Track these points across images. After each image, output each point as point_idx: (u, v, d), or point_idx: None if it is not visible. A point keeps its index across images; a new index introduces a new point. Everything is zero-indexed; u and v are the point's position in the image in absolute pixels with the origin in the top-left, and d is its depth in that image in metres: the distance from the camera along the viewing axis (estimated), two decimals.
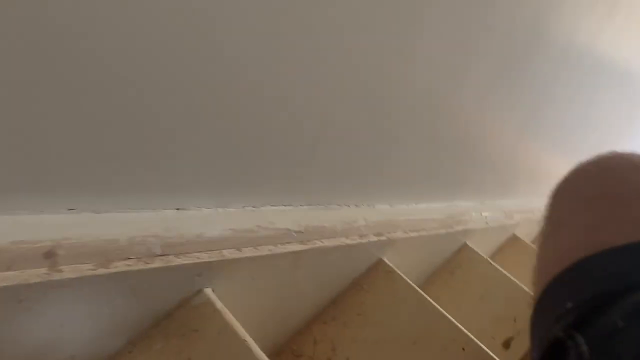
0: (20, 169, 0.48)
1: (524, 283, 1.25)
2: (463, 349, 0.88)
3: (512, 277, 1.26)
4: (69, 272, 0.50)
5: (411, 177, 1.12)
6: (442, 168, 1.19)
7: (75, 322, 0.54)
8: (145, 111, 0.53)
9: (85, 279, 0.51)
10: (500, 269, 1.28)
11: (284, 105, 0.67)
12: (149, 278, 0.58)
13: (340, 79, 0.72)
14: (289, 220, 0.79)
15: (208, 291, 0.66)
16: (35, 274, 0.48)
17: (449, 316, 0.92)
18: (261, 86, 0.62)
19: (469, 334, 0.91)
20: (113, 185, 0.57)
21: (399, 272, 1.00)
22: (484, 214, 1.44)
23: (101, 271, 0.53)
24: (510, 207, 1.64)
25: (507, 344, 1.22)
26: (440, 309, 0.94)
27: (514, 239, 1.68)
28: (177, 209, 0.65)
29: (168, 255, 0.60)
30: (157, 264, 0.58)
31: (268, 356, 0.62)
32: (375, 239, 0.96)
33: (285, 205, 0.82)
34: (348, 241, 0.89)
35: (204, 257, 0.63)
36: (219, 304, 0.65)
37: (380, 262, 1.02)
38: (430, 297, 0.95)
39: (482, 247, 1.39)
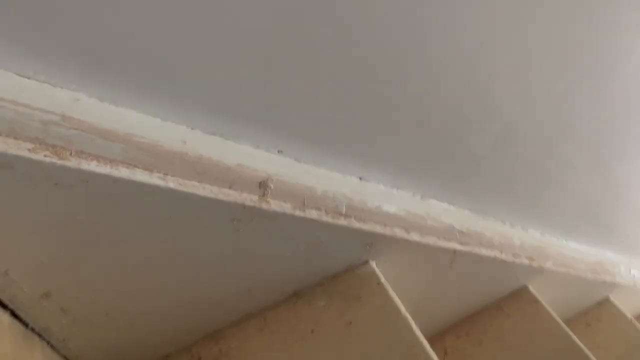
0: (257, 104, 0.52)
1: None
2: None
3: None
4: (274, 205, 0.53)
5: (566, 212, 1.06)
6: (597, 212, 1.12)
7: (264, 255, 0.56)
8: (362, 94, 0.56)
9: (285, 216, 0.54)
10: None
11: (477, 105, 0.67)
12: (331, 233, 0.59)
13: (534, 97, 0.71)
14: (454, 218, 0.78)
15: (373, 264, 0.67)
16: (250, 198, 0.51)
17: None
18: (466, 85, 0.62)
19: None
20: (316, 139, 0.60)
21: (544, 303, 0.94)
22: (632, 271, 1.32)
23: (298, 213, 0.55)
24: None
25: None
26: (589, 353, 0.87)
27: None
28: (360, 179, 0.67)
29: (350, 217, 0.61)
30: (341, 221, 0.59)
31: None
32: (527, 262, 0.91)
33: (449, 203, 0.81)
34: (502, 256, 0.85)
35: (379, 229, 0.64)
36: (383, 278, 0.65)
37: (524, 289, 0.97)
38: None
39: (626, 306, 1.27)
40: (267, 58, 0.48)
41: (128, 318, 0.52)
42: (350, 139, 0.63)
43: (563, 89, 0.74)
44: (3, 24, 0.37)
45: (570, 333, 0.89)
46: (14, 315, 0.47)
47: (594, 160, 0.95)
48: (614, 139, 0.92)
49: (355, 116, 0.60)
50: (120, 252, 0.47)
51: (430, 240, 0.71)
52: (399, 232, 0.66)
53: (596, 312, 1.20)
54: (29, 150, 0.37)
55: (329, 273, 0.65)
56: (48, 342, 0.51)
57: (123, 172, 0.42)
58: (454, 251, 0.75)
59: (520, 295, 0.93)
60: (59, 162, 0.39)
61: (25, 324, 0.48)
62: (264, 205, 0.51)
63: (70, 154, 0.39)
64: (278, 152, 0.57)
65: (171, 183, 0.45)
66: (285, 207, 0.53)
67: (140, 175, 0.43)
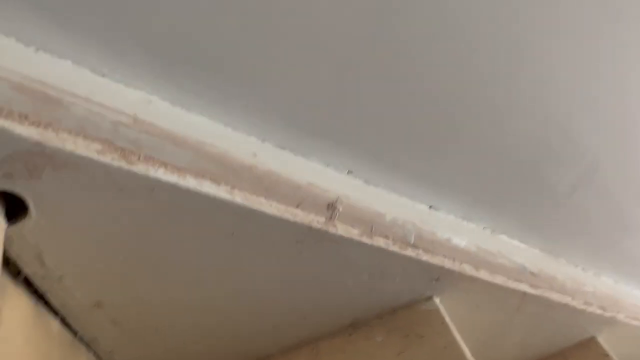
0: (330, 119, 0.49)
1: None
2: None
3: None
4: (341, 229, 0.49)
5: None
6: None
7: (324, 281, 0.53)
8: (440, 117, 0.52)
9: (352, 242, 0.50)
10: None
11: (563, 139, 0.62)
12: (397, 263, 0.55)
13: (626, 137, 0.65)
14: (525, 258, 0.72)
15: (437, 300, 0.62)
16: (317, 220, 0.47)
17: None
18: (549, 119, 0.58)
19: None
20: (387, 161, 0.56)
21: (614, 357, 0.86)
22: None
23: (365, 239, 0.51)
24: None
25: None
26: None
27: None
28: (430, 207, 0.62)
29: (418, 248, 0.57)
30: (409, 252, 0.55)
31: None
32: (599, 311, 0.84)
33: (520, 241, 0.75)
34: (574, 303, 0.78)
35: (447, 263, 0.59)
36: (447, 318, 0.60)
37: (592, 340, 0.89)
38: None
39: None
40: (345, 72, 0.45)
41: (178, 336, 0.50)
42: (423, 163, 0.58)
43: None
44: (84, 17, 0.36)
45: None
46: (64, 322, 0.44)
47: None
48: None
49: (431, 140, 0.56)
50: (178, 266, 0.44)
51: (500, 279, 0.66)
52: (468, 269, 0.61)
53: None
54: (97, 152, 0.35)
55: (390, 306, 0.60)
56: (95, 353, 0.48)
57: (190, 182, 0.39)
58: (524, 293, 0.69)
59: (587, 347, 0.86)
60: (127, 166, 0.36)
61: (74, 332, 0.46)
62: (331, 229, 0.48)
63: (139, 158, 0.37)
64: (348, 172, 0.53)
65: (238, 197, 0.42)
66: (353, 233, 0.50)
67: (207, 187, 0.40)
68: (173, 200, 0.39)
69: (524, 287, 0.70)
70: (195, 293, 0.47)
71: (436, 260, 0.58)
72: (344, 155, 0.53)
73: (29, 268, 0.40)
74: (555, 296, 0.75)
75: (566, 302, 0.76)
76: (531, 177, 0.67)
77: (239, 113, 0.45)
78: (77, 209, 0.38)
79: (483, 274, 0.64)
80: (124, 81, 0.40)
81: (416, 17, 0.43)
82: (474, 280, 0.62)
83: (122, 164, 0.36)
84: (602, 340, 0.89)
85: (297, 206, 0.46)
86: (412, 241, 0.56)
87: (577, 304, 0.79)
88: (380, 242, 0.52)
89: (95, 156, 0.35)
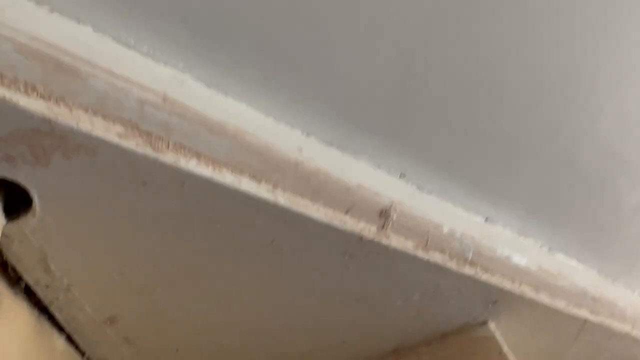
0: (383, 115, 0.42)
1: None
2: None
3: None
4: (394, 241, 0.42)
5: None
6: None
7: (371, 301, 0.46)
8: (503, 119, 0.46)
9: (405, 255, 0.43)
10: None
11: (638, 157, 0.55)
12: (453, 282, 0.48)
13: None
14: (586, 280, 0.64)
15: (492, 325, 0.54)
16: (368, 229, 0.40)
17: None
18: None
19: None
20: (442, 166, 0.49)
21: None
22: None
23: (420, 254, 0.44)
24: None
25: None
26: None
27: None
28: (486, 219, 0.55)
29: (476, 265, 0.49)
30: (467, 270, 0.48)
31: None
32: None
33: (578, 261, 0.68)
34: (634, 332, 0.70)
35: (507, 284, 0.52)
36: (505, 347, 0.53)
37: None
38: None
39: None
40: (407, 62, 0.39)
41: (200, 359, 0.43)
42: (480, 170, 0.52)
43: None
44: None
45: None
46: (70, 339, 0.38)
47: None
48: None
49: (490, 142, 0.49)
50: (206, 277, 0.37)
51: (560, 304, 0.59)
52: (528, 291, 0.54)
53: None
54: (119, 135, 0.29)
55: (439, 330, 0.53)
56: None
57: (227, 178, 0.32)
58: (585, 321, 0.62)
59: None
60: (153, 154, 0.30)
61: (82, 352, 0.39)
62: (384, 240, 0.41)
63: (167, 146, 0.30)
64: (400, 175, 0.46)
65: (281, 198, 0.35)
66: (407, 245, 0.43)
67: (246, 184, 0.33)
68: (206, 198, 0.32)
69: (584, 314, 0.62)
70: (224, 309, 0.40)
71: (495, 280, 0.50)
72: (397, 156, 0.46)
73: (31, 275, 0.34)
74: (616, 324, 0.67)
75: (627, 331, 0.68)
76: (596, 192, 0.60)
77: (282, 102, 0.39)
78: (91, 205, 0.31)
79: (543, 298, 0.57)
80: (153, 55, 0.33)
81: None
82: (533, 304, 0.55)
83: (148, 151, 0.30)
84: None
85: (347, 212, 0.39)
86: (470, 257, 0.49)
87: (637, 333, 0.71)
88: (436, 257, 0.45)
89: (115, 140, 0.29)
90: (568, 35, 0.41)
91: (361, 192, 0.41)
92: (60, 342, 0.37)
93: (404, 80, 0.41)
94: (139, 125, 0.30)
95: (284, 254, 0.38)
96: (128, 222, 0.32)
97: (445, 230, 0.47)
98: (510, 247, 0.55)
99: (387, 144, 0.45)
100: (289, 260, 0.38)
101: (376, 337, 0.49)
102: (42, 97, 0.27)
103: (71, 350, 0.38)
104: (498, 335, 0.54)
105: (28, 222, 0.30)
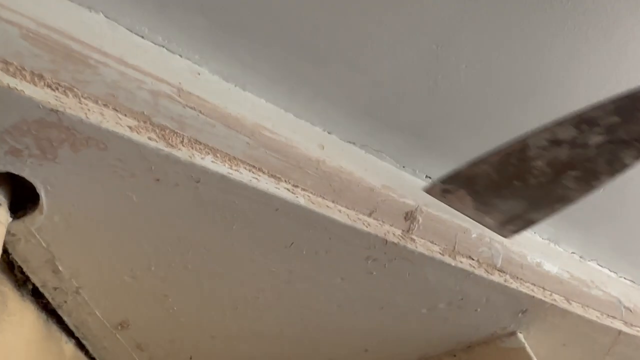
0: (410, 112, 0.40)
1: None
2: None
3: None
4: (420, 245, 0.40)
5: None
6: None
7: (395, 309, 0.43)
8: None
9: (432, 261, 0.41)
10: None
11: None
12: (481, 290, 0.45)
13: None
14: (619, 290, 0.61)
15: (521, 337, 0.52)
16: (393, 232, 0.38)
17: None
18: None
19: None
20: None
21: None
22: None
23: (448, 259, 0.42)
24: None
25: None
26: None
27: None
28: None
29: (506, 272, 0.47)
30: (496, 277, 0.45)
31: None
32: None
33: (610, 270, 0.64)
34: None
35: (538, 293, 0.49)
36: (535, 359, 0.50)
37: None
38: None
39: None
40: (435, 59, 0.36)
41: None
42: None
43: None
44: None
45: None
46: (79, 345, 0.36)
47: None
48: None
49: None
50: (222, 281, 0.35)
51: (594, 315, 0.55)
52: (560, 301, 0.51)
53: None
54: (131, 128, 0.27)
55: (465, 341, 0.50)
56: None
57: (245, 176, 0.30)
58: (619, 332, 0.59)
59: None
60: (167, 149, 0.28)
61: (92, 358, 0.37)
62: (409, 244, 0.39)
63: (182, 141, 0.29)
64: (426, 177, 0.44)
65: (301, 198, 0.33)
66: (434, 250, 0.40)
67: (265, 183, 0.31)
68: (222, 196, 0.31)
69: (618, 325, 0.59)
70: (240, 315, 0.38)
71: (526, 288, 0.48)
72: (422, 157, 0.44)
73: (39, 276, 0.32)
74: None
75: None
76: (632, 199, 0.57)
77: (305, 97, 0.37)
78: (101, 202, 0.29)
79: (576, 308, 0.54)
80: (168, 46, 0.32)
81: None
82: (565, 314, 0.52)
83: (161, 146, 0.28)
84: None
85: (370, 214, 0.37)
86: (499, 264, 0.46)
87: None
88: (464, 263, 0.43)
89: (127, 133, 0.27)
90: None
91: (385, 193, 0.39)
92: (69, 347, 0.35)
93: (434, 77, 0.39)
94: (152, 118, 0.28)
95: (303, 258, 0.35)
96: (140, 222, 0.30)
97: (474, 234, 0.44)
98: (542, 254, 0.52)
99: (413, 143, 0.43)
100: (309, 264, 0.36)
101: (399, 346, 0.47)
102: (50, 86, 0.25)
103: (80, 356, 0.36)
104: (528, 347, 0.51)
105: (35, 220, 0.28)
